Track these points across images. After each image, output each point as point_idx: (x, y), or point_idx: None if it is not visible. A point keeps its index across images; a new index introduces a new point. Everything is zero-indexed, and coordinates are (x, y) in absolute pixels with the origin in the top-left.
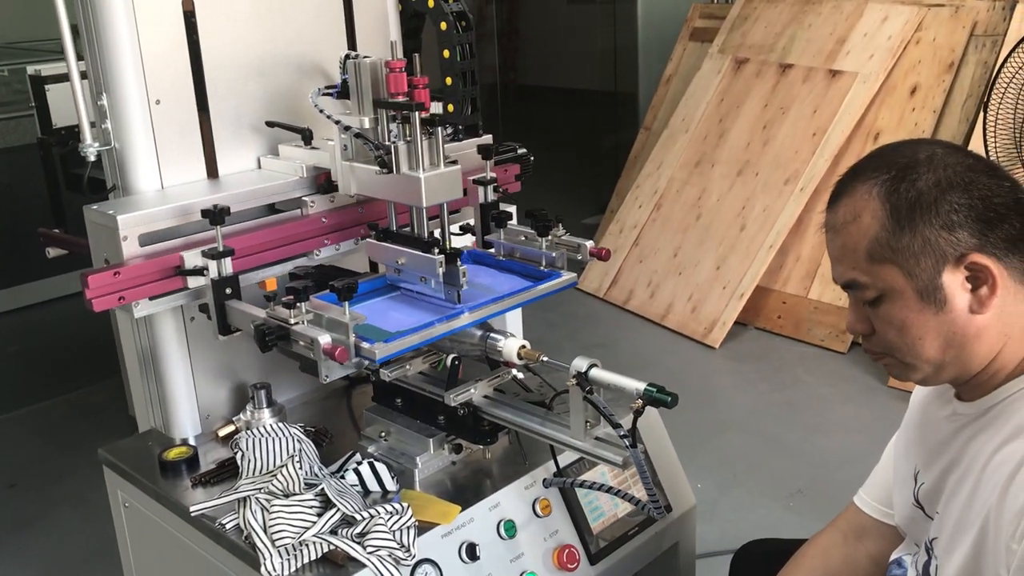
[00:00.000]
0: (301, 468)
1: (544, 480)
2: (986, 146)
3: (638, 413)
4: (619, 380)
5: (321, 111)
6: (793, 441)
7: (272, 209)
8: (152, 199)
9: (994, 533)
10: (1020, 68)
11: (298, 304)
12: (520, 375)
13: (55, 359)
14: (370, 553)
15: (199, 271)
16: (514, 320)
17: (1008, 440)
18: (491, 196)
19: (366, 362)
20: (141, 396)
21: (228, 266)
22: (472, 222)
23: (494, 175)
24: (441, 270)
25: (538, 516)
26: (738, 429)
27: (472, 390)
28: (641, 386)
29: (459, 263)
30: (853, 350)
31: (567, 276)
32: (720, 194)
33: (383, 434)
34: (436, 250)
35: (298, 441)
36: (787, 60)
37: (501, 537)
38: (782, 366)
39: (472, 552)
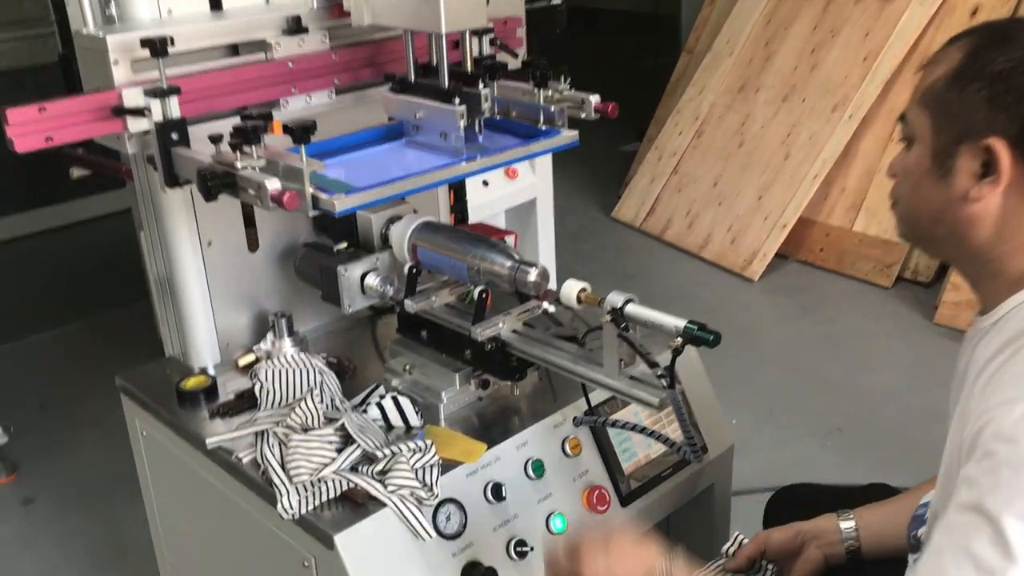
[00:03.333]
0: (322, 401)
1: (574, 419)
2: None
3: (677, 352)
4: (658, 317)
5: None
6: (833, 378)
7: (235, 51)
8: (148, 25)
9: (959, 452)
10: None
11: (248, 147)
12: (551, 308)
13: (85, 281)
14: (391, 492)
15: (139, 111)
16: (547, 250)
17: (992, 358)
18: (487, 49)
19: (325, 214)
20: (163, 323)
21: (174, 107)
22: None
23: (490, 24)
24: (462, 122)
25: (567, 456)
26: (776, 364)
27: (500, 324)
28: (681, 323)
29: (481, 85)
30: (898, 285)
31: (567, 134)
32: (764, 121)
33: (407, 367)
34: (457, 100)
35: (319, 373)
36: None
37: (528, 477)
38: (823, 300)
39: (498, 492)
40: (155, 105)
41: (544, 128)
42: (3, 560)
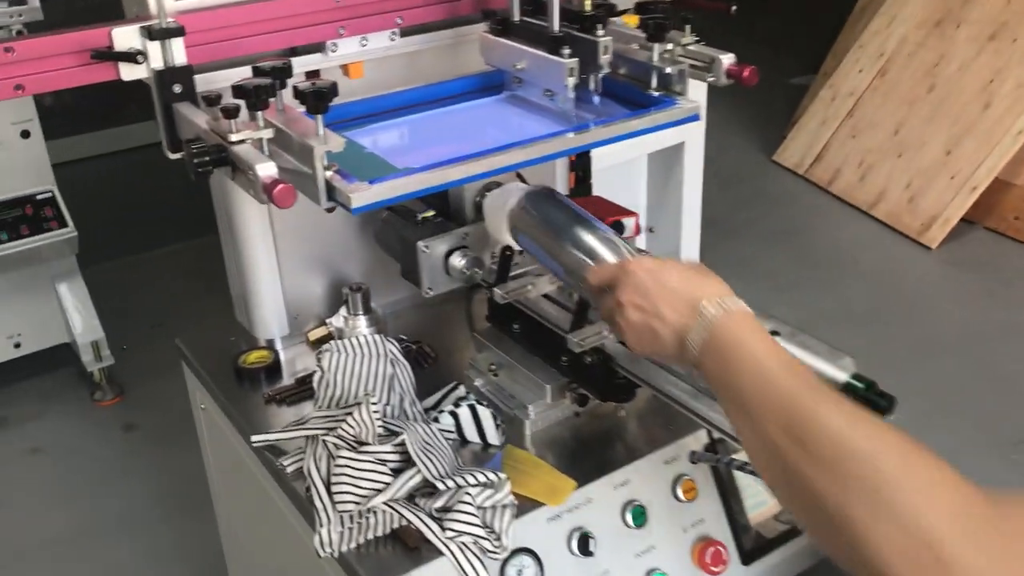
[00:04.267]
0: (388, 403)
1: (692, 454)
2: None
3: None
4: (808, 361)
5: None
6: (1022, 376)
7: None
8: None
9: None
10: None
11: (254, 112)
12: None
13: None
14: (450, 538)
15: (131, 56)
16: (691, 204)
17: None
18: None
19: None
20: (231, 285)
21: (178, 52)
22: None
23: None
24: (572, 80)
25: (679, 500)
26: (951, 352)
27: (605, 333)
28: (842, 376)
29: (600, 32)
30: None
31: (685, 106)
32: (963, 62)
33: (493, 367)
34: (567, 50)
35: (392, 363)
36: None
37: (626, 525)
38: (1014, 279)
39: (585, 544)
40: (153, 49)
41: (656, 94)
42: (99, 486)
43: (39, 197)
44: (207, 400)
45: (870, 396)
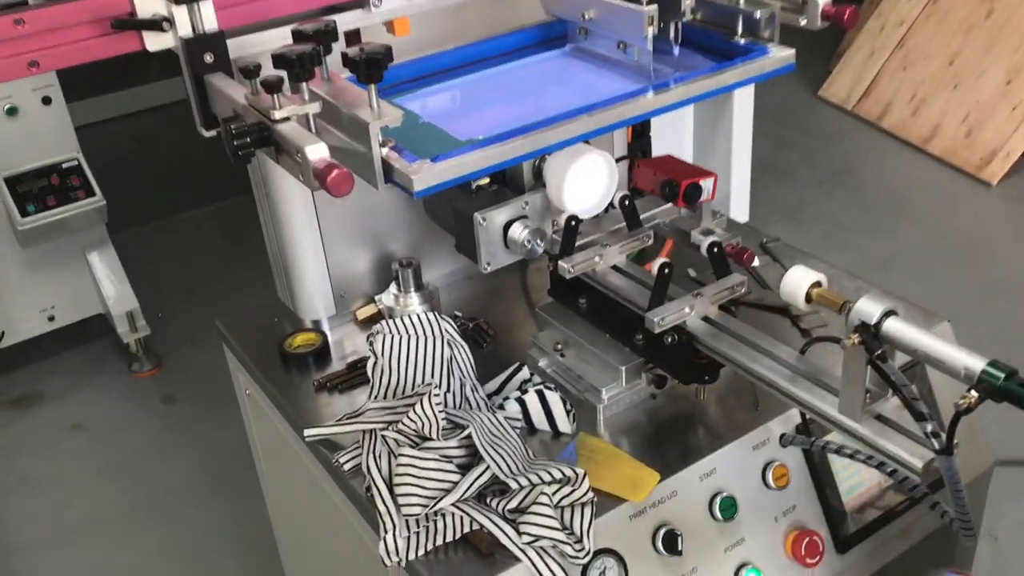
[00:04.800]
0: (448, 390)
1: (782, 436)
2: None
3: (965, 411)
4: (937, 347)
5: None
6: None
7: None
8: None
9: None
10: None
11: (298, 84)
12: (754, 263)
13: None
14: (527, 543)
15: (157, 24)
16: (741, 146)
17: None
18: None
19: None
20: (272, 261)
21: (208, 16)
22: None
23: None
24: (651, 30)
25: (769, 488)
26: (1016, 293)
27: (687, 310)
28: (978, 365)
29: None
30: None
31: (778, 54)
32: None
33: (559, 347)
34: None
35: (448, 345)
36: None
37: (715, 518)
38: None
39: (672, 542)
40: (180, 14)
41: (743, 42)
42: (143, 461)
43: (64, 166)
44: (252, 386)
45: (1011, 387)
